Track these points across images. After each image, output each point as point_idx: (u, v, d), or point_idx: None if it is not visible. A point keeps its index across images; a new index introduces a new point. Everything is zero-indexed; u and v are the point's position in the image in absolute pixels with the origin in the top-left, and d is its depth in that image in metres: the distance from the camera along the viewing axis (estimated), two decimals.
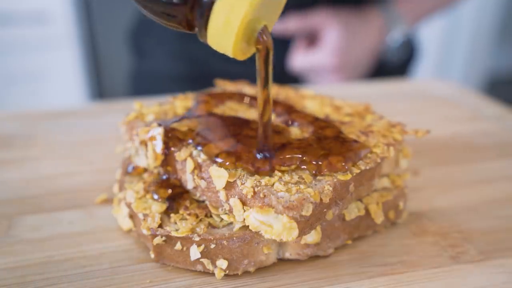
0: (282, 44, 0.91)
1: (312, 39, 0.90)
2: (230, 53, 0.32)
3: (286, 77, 0.91)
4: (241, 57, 0.33)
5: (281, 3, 0.35)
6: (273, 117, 0.46)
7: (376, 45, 0.90)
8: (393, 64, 0.96)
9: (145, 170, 0.45)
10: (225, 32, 0.31)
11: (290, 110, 0.48)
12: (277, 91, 0.54)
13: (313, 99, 0.52)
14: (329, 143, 0.40)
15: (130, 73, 1.06)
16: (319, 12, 0.86)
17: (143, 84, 1.01)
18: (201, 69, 0.93)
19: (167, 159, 0.42)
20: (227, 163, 0.36)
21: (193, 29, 0.33)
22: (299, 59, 0.88)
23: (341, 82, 0.88)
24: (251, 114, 0.47)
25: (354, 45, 0.87)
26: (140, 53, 1.02)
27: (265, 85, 0.36)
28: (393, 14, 0.89)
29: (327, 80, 0.89)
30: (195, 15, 0.32)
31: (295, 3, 0.88)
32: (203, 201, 0.40)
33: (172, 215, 0.39)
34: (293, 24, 0.86)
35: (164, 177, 0.43)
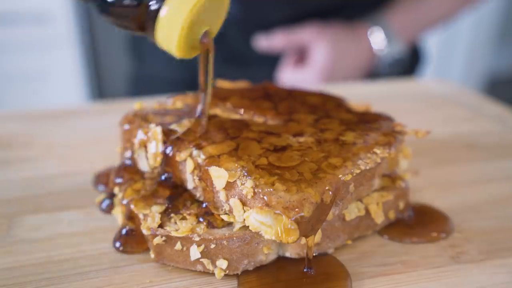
0: (272, 60, 0.90)
1: (301, 55, 0.89)
2: (175, 53, 0.38)
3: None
4: (185, 56, 0.39)
5: (223, 10, 0.40)
6: (273, 117, 0.46)
7: (367, 62, 0.88)
8: (386, 78, 0.94)
9: (145, 170, 0.45)
10: (169, 35, 0.36)
11: (290, 110, 0.48)
12: (277, 90, 0.54)
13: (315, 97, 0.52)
14: (329, 146, 0.40)
15: (128, 76, 1.06)
16: (307, 28, 0.85)
17: (141, 88, 1.01)
18: (197, 73, 0.93)
19: (167, 159, 0.42)
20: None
21: (144, 30, 0.38)
22: (287, 76, 0.87)
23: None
24: (251, 114, 0.47)
25: (342, 63, 0.85)
26: (139, 57, 1.02)
27: (206, 82, 0.41)
28: (386, 29, 0.87)
29: None
30: (146, 18, 0.37)
31: (283, 18, 0.87)
32: (203, 201, 0.40)
33: (172, 215, 0.39)
34: (280, 40, 0.85)
35: (164, 177, 0.43)
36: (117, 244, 0.41)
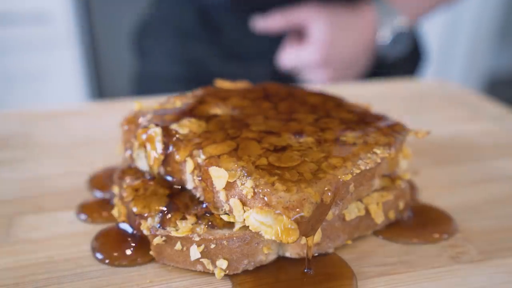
0: (273, 42, 0.89)
1: (301, 36, 0.87)
2: None
3: (279, 76, 0.90)
4: None
5: None
6: (273, 117, 0.46)
7: (369, 40, 0.86)
8: (390, 61, 0.92)
9: (145, 170, 0.45)
10: None
11: (291, 110, 0.48)
12: (278, 89, 0.54)
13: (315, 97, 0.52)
14: (329, 146, 0.40)
15: (132, 74, 1.07)
16: (305, 7, 0.83)
17: (145, 85, 1.02)
18: (199, 70, 0.93)
19: (167, 160, 0.42)
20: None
21: None
22: (288, 56, 0.86)
23: (332, 81, 0.86)
24: (250, 114, 0.47)
25: (341, 40, 0.83)
26: (142, 54, 1.02)
27: None
28: (387, 7, 0.85)
29: (316, 78, 0.87)
30: None
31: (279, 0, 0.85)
32: (203, 201, 0.40)
33: (172, 215, 0.39)
34: (278, 20, 0.84)
35: (164, 177, 0.43)
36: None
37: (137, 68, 1.04)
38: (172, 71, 0.95)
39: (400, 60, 0.92)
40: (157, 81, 0.97)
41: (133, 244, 0.40)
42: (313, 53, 0.83)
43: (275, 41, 0.89)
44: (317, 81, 0.87)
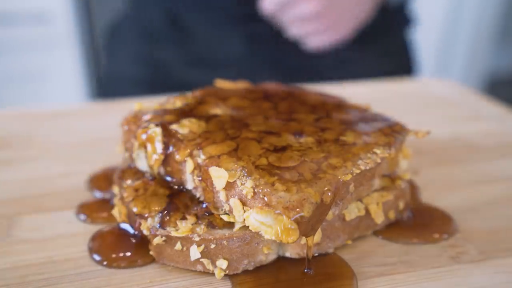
0: (242, 49, 0.84)
1: None
2: None
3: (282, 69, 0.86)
4: None
5: None
6: (273, 117, 0.46)
7: None
8: (395, 4, 0.85)
9: (145, 170, 0.45)
10: None
11: (291, 110, 0.48)
12: (278, 89, 0.54)
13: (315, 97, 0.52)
14: (329, 146, 0.40)
15: (102, 74, 1.04)
16: None
17: (109, 87, 0.99)
18: (164, 74, 0.90)
19: (167, 160, 0.42)
20: None
21: None
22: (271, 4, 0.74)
23: (330, 35, 0.78)
24: (250, 114, 0.47)
25: None
26: (109, 55, 1.00)
27: None
28: None
29: (311, 33, 0.78)
30: None
31: None
32: (203, 201, 0.40)
33: (172, 215, 0.39)
34: None
35: (164, 177, 0.43)
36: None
37: (105, 69, 1.01)
38: (137, 73, 0.92)
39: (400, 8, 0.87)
40: (122, 83, 0.95)
41: (131, 246, 0.40)
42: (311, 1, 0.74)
43: (244, 48, 0.85)
44: (311, 38, 0.79)
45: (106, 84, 1.01)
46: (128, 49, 0.94)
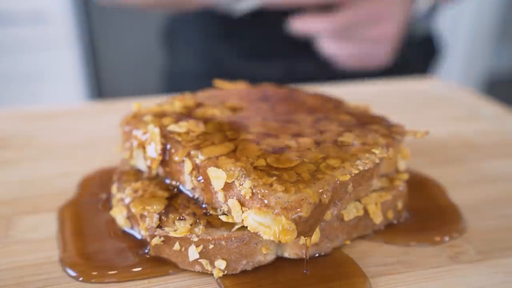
0: (288, 42, 0.88)
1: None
2: None
3: (294, 76, 0.89)
4: None
5: None
6: (271, 119, 0.46)
7: (407, 11, 0.80)
8: (418, 39, 0.88)
9: (144, 170, 0.45)
10: None
11: (289, 111, 0.48)
12: (276, 91, 0.54)
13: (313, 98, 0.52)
14: (327, 147, 0.40)
15: (163, 70, 1.10)
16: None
17: (172, 81, 1.05)
18: (219, 69, 0.96)
19: (165, 160, 0.42)
20: None
21: None
22: (305, 21, 0.80)
23: (351, 61, 0.81)
24: (249, 116, 0.47)
25: (370, 24, 0.78)
26: (171, 51, 1.06)
27: None
28: None
29: (334, 51, 0.82)
30: None
31: None
32: (202, 202, 0.40)
33: (170, 215, 0.39)
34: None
35: (163, 178, 0.43)
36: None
37: (167, 64, 1.07)
38: (196, 68, 0.98)
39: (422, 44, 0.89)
40: (183, 77, 1.01)
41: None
42: (333, 20, 0.77)
43: (290, 42, 0.89)
44: (334, 55, 0.83)
45: (170, 79, 1.07)
46: (188, 45, 1.00)
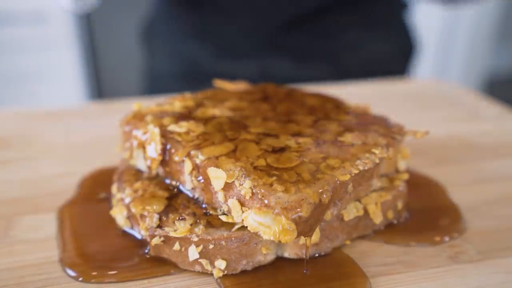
0: (262, 41, 0.89)
1: None
2: None
3: (268, 75, 0.90)
4: None
5: None
6: (271, 119, 0.46)
7: None
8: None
9: (143, 170, 0.45)
10: None
11: (289, 111, 0.48)
12: (277, 90, 0.54)
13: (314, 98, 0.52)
14: (327, 147, 0.40)
15: (141, 71, 1.10)
16: None
17: (151, 82, 1.04)
18: (195, 69, 0.95)
19: (165, 160, 0.42)
20: None
21: None
22: None
23: None
24: (249, 116, 0.47)
25: None
26: (148, 52, 1.05)
27: None
28: None
29: None
30: None
31: None
32: (202, 202, 0.40)
33: (170, 215, 0.39)
34: None
35: (163, 178, 0.43)
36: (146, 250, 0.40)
37: (145, 65, 1.07)
38: (172, 68, 0.97)
39: None
40: (161, 79, 1.00)
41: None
42: None
43: (263, 40, 0.90)
44: None
45: (150, 80, 1.06)
46: (164, 46, 0.99)
